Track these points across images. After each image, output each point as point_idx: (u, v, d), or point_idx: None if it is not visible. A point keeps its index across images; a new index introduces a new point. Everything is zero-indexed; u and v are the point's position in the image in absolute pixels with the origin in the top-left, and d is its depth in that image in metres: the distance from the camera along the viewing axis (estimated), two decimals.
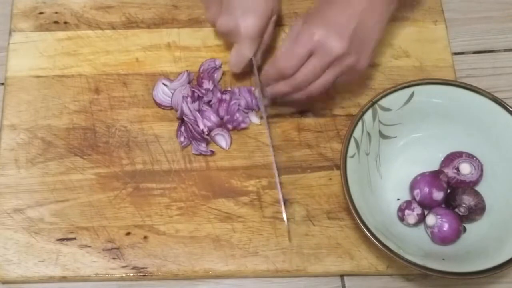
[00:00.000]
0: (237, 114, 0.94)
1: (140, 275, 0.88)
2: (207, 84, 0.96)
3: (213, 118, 0.94)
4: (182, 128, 0.94)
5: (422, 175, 0.90)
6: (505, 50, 1.04)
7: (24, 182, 0.92)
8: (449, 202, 0.89)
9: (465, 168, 0.90)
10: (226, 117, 0.94)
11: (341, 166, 0.86)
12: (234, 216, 0.91)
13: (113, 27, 1.02)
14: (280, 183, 0.91)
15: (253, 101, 0.95)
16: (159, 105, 0.96)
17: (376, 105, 0.89)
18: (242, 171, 0.93)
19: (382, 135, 0.91)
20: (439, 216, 0.87)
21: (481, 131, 0.91)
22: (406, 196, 0.90)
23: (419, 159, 0.93)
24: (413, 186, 0.90)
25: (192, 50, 1.00)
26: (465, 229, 0.88)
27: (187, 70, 0.97)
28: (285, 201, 0.91)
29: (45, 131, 0.95)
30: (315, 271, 0.89)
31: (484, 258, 0.83)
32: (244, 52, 0.93)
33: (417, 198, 0.89)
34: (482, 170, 0.90)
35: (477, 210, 0.88)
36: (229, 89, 0.97)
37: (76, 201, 0.91)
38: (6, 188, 0.92)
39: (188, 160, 0.94)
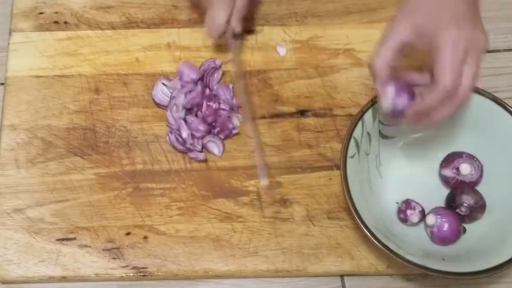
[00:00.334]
0: (228, 124, 0.94)
1: (140, 275, 0.88)
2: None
3: (202, 127, 0.93)
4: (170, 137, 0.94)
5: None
6: (505, 50, 1.04)
7: (24, 182, 0.92)
8: (450, 203, 0.89)
9: (465, 169, 0.90)
10: (217, 129, 0.94)
11: (341, 166, 0.86)
12: (234, 216, 0.91)
13: (113, 27, 1.02)
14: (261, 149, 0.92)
15: (232, 98, 0.95)
16: (158, 105, 0.96)
17: (376, 105, 0.89)
18: (242, 171, 0.93)
19: (382, 135, 0.91)
20: (439, 216, 0.87)
21: (481, 131, 0.91)
22: (406, 197, 0.90)
23: (419, 159, 0.93)
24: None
25: (192, 50, 1.00)
26: (465, 230, 0.88)
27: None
28: (285, 201, 0.92)
29: (45, 131, 0.95)
30: (315, 271, 0.89)
31: (484, 258, 0.83)
32: (217, 16, 0.93)
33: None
34: (482, 170, 0.90)
35: (478, 208, 0.88)
36: (214, 88, 0.97)
37: (76, 201, 0.91)
38: (6, 188, 0.92)
39: (188, 160, 0.94)
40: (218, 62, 0.99)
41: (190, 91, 0.94)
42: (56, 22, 1.02)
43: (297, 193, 0.92)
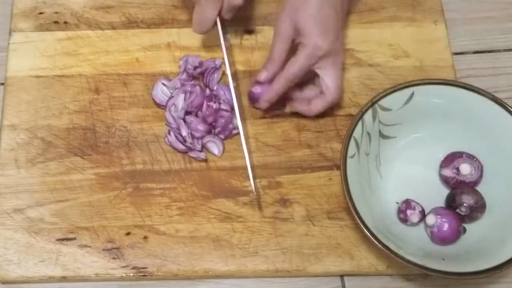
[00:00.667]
0: (229, 124, 0.94)
1: (140, 275, 0.88)
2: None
3: (201, 127, 0.93)
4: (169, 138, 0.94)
5: None
6: (505, 50, 1.04)
7: (24, 182, 0.92)
8: (450, 203, 0.90)
9: (465, 169, 0.90)
10: (218, 129, 0.94)
11: (341, 166, 0.86)
12: (234, 216, 0.91)
13: (113, 27, 1.02)
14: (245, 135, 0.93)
15: (231, 97, 0.95)
16: (158, 105, 0.96)
17: (376, 105, 0.89)
18: (242, 171, 0.93)
19: (382, 135, 0.91)
20: (439, 216, 0.87)
21: (481, 131, 0.91)
22: (406, 197, 0.90)
23: (419, 159, 0.93)
24: None
25: (192, 50, 1.00)
26: (465, 230, 0.88)
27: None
28: (285, 201, 0.92)
29: (45, 131, 0.95)
30: (315, 271, 0.89)
31: (484, 258, 0.83)
32: (205, 10, 0.92)
33: None
34: (482, 170, 0.90)
35: (478, 207, 0.88)
36: (214, 89, 0.97)
37: (76, 201, 0.91)
38: (6, 188, 0.92)
39: (188, 160, 0.94)
40: (218, 62, 0.99)
41: (189, 92, 0.94)
42: (56, 22, 1.02)
43: (297, 193, 0.92)
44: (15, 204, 0.91)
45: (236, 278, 0.89)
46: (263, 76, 0.92)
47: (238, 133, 0.95)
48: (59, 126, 0.96)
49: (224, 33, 0.95)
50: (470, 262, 0.83)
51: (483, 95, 0.89)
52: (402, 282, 0.90)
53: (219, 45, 0.95)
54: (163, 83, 0.97)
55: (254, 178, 0.90)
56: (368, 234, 0.82)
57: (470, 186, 0.90)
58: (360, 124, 0.88)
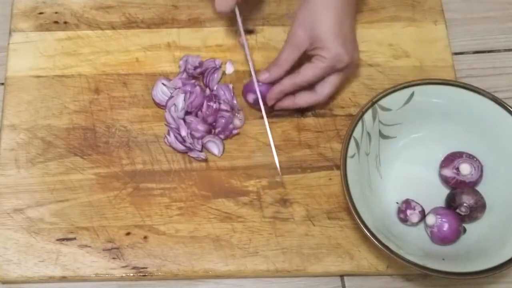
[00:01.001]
0: (229, 125, 0.94)
1: (140, 275, 0.88)
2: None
3: (201, 127, 0.93)
4: (169, 139, 0.94)
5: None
6: (505, 50, 1.04)
7: (24, 182, 0.92)
8: (450, 203, 0.90)
9: (465, 169, 0.90)
10: (218, 129, 0.94)
11: (341, 166, 0.86)
12: (234, 216, 0.91)
13: (113, 27, 1.02)
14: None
15: (233, 98, 0.96)
16: (158, 105, 0.96)
17: (376, 105, 0.89)
18: (242, 171, 0.93)
19: (382, 135, 0.91)
20: (439, 216, 0.87)
21: (481, 131, 0.91)
22: (406, 197, 0.90)
23: (419, 159, 0.93)
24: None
25: (192, 50, 1.00)
26: (465, 230, 0.88)
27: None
28: (285, 201, 0.92)
29: (45, 131, 0.95)
30: (315, 271, 0.89)
31: (484, 258, 0.83)
32: None
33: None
34: (482, 170, 0.90)
35: (478, 207, 0.88)
36: (214, 89, 0.97)
37: (76, 201, 0.91)
38: (6, 188, 0.92)
39: (188, 160, 0.94)
40: (218, 62, 0.99)
41: (189, 92, 0.94)
42: (56, 22, 1.02)
43: (297, 193, 0.92)
44: (15, 204, 0.91)
45: (236, 278, 0.89)
46: (264, 77, 0.93)
47: (238, 133, 0.95)
48: (59, 126, 0.96)
49: (242, 19, 0.95)
50: (470, 262, 0.83)
51: (483, 95, 0.89)
52: (402, 282, 0.90)
53: (237, 31, 0.96)
54: (163, 83, 0.97)
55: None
56: (368, 234, 0.82)
57: (470, 186, 0.90)
58: (360, 124, 0.88)
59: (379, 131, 0.91)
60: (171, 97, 0.95)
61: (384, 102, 0.89)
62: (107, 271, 0.88)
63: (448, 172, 0.91)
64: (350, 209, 0.84)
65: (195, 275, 0.89)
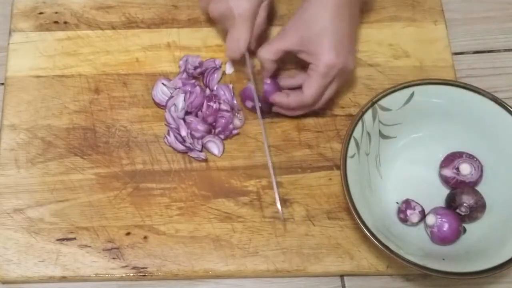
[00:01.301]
0: (229, 125, 0.94)
1: (140, 275, 0.88)
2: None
3: (201, 127, 0.93)
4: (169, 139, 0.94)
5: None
6: (505, 50, 1.04)
7: (24, 182, 0.92)
8: (450, 203, 0.90)
9: (465, 169, 0.90)
10: (218, 129, 0.94)
11: (341, 166, 0.86)
12: (234, 216, 0.91)
13: (113, 27, 1.02)
14: (277, 183, 0.91)
15: (233, 98, 0.96)
16: (158, 105, 0.96)
17: (376, 105, 0.89)
18: (242, 171, 0.93)
19: (382, 135, 0.91)
20: (439, 216, 0.87)
21: (481, 131, 0.91)
22: (406, 197, 0.90)
23: (419, 159, 0.93)
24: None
25: (192, 50, 1.00)
26: (465, 230, 0.88)
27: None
28: (285, 201, 0.92)
29: (45, 131, 0.95)
30: (315, 271, 0.89)
31: (484, 258, 0.83)
32: (239, 35, 0.92)
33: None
34: (482, 170, 0.90)
35: (478, 207, 0.88)
36: (214, 89, 0.97)
37: (76, 201, 0.91)
38: (6, 188, 0.92)
39: (188, 160, 0.94)
40: (218, 62, 0.99)
41: (189, 92, 0.94)
42: (56, 22, 1.02)
43: (297, 193, 0.92)
44: (15, 204, 0.91)
45: (236, 278, 0.89)
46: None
47: (238, 133, 0.95)
48: (59, 126, 0.96)
49: (251, 61, 0.96)
50: (470, 262, 0.83)
51: (483, 95, 0.89)
52: (402, 282, 0.90)
53: (246, 72, 0.96)
54: (163, 83, 0.97)
55: (278, 196, 0.90)
56: (368, 234, 0.82)
57: (470, 186, 0.90)
58: (360, 124, 0.88)
59: (379, 131, 0.91)
60: (171, 97, 0.95)
61: (384, 102, 0.89)
62: (107, 271, 0.88)
63: (448, 172, 0.91)
64: (350, 209, 0.84)
65: (195, 275, 0.89)
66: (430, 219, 0.87)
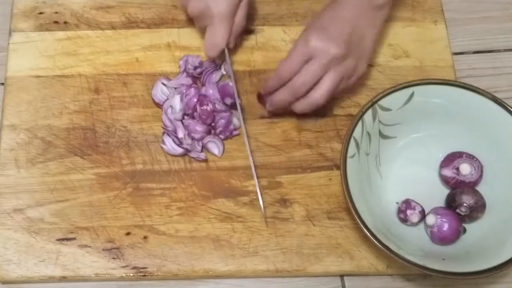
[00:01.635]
0: (229, 125, 0.94)
1: (140, 275, 0.88)
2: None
3: (199, 128, 0.93)
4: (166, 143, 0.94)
5: None
6: (505, 50, 1.04)
7: (24, 182, 0.92)
8: (450, 203, 0.90)
9: (465, 169, 0.90)
10: (219, 129, 0.94)
11: (341, 166, 0.86)
12: (234, 216, 0.91)
13: (113, 27, 1.02)
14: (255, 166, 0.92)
15: (225, 98, 0.96)
16: (158, 105, 0.96)
17: (376, 105, 0.89)
18: (242, 171, 0.93)
19: (382, 135, 0.91)
20: (439, 216, 0.87)
21: (481, 131, 0.91)
22: (406, 197, 0.90)
23: (419, 159, 0.93)
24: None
25: (192, 50, 1.00)
26: (465, 230, 0.88)
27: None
28: (285, 201, 0.92)
29: (45, 131, 0.95)
30: (315, 271, 0.89)
31: (484, 258, 0.83)
32: (217, 33, 0.93)
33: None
34: (482, 170, 0.90)
35: (478, 207, 0.88)
36: (203, 91, 0.97)
37: (76, 201, 0.91)
38: (6, 188, 0.92)
39: (188, 160, 0.94)
40: (218, 62, 0.99)
41: (185, 93, 0.94)
42: (56, 22, 1.02)
43: (297, 193, 0.92)
44: (15, 204, 0.91)
45: (236, 278, 0.89)
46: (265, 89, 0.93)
47: (239, 134, 0.95)
48: (59, 126, 0.96)
49: (230, 59, 0.96)
50: (470, 262, 0.83)
51: (483, 95, 0.89)
52: (402, 282, 0.90)
53: (226, 70, 0.96)
54: (163, 83, 0.97)
55: (261, 195, 0.90)
56: (368, 234, 0.82)
57: (470, 186, 0.90)
58: (360, 124, 0.88)
59: (379, 131, 0.91)
60: (167, 99, 0.95)
61: (384, 102, 0.89)
62: (107, 271, 0.88)
63: (448, 172, 0.91)
64: (350, 209, 0.84)
65: (195, 275, 0.89)
66: (430, 219, 0.87)
